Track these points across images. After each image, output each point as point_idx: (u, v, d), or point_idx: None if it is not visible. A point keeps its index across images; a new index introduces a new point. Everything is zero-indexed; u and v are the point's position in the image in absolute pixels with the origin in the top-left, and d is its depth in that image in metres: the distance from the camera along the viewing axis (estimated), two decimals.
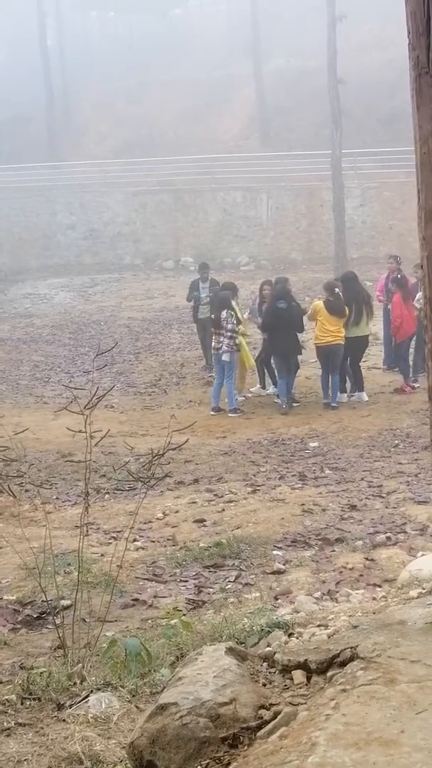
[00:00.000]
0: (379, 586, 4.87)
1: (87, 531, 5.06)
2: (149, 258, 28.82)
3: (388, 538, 6.10)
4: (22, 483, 7.44)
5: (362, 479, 8.29)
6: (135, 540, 6.50)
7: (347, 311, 12.17)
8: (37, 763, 2.87)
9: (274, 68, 34.44)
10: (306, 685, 2.65)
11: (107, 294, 24.54)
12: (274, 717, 2.47)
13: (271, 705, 2.57)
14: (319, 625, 3.46)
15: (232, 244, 28.16)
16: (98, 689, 3.34)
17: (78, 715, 3.14)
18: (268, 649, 3.07)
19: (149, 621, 4.80)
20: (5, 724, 3.14)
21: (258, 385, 13.60)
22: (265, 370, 13.33)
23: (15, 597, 5.29)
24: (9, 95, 37.34)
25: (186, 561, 5.98)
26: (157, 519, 7.29)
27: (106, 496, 8.13)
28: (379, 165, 26.49)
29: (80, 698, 3.27)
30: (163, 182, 29.58)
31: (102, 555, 6.01)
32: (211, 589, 5.38)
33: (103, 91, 38.00)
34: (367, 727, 2.19)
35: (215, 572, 5.74)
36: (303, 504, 7.33)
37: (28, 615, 5.00)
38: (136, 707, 3.21)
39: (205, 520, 7.08)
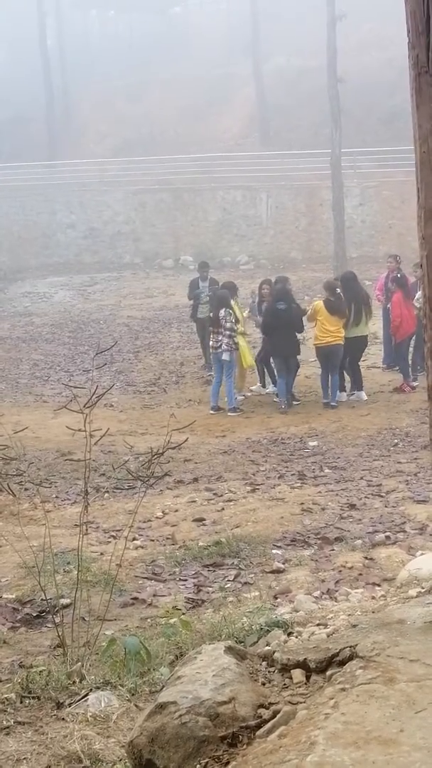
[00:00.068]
0: (379, 585, 4.87)
1: (86, 530, 5.06)
2: (149, 257, 28.82)
3: (388, 537, 6.10)
4: (21, 482, 7.44)
5: (361, 478, 8.29)
6: (134, 539, 6.50)
7: (348, 312, 12.17)
8: (36, 762, 2.87)
9: (274, 67, 34.42)
10: (305, 684, 2.66)
11: (107, 293, 24.54)
12: (274, 716, 2.47)
13: (271, 704, 2.57)
14: (318, 624, 3.46)
15: (232, 243, 28.16)
16: (97, 688, 3.35)
17: (77, 713, 3.14)
18: (267, 648, 3.08)
19: (148, 620, 4.81)
20: (4, 722, 3.14)
21: (258, 384, 13.60)
22: (265, 369, 13.34)
23: (14, 595, 5.29)
24: (9, 95, 37.31)
25: (185, 560, 5.98)
26: (157, 518, 7.29)
27: (106, 494, 8.13)
28: (378, 164, 26.48)
29: (79, 697, 3.28)
30: (163, 181, 29.57)
31: (101, 554, 6.01)
32: (210, 588, 5.38)
33: (103, 90, 37.98)
34: (366, 726, 2.19)
35: (214, 571, 5.75)
36: (302, 503, 7.33)
37: (27, 613, 5.01)
38: (136, 706, 3.22)
39: (204, 519, 7.08)
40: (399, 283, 12.88)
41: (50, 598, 4.44)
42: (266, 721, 2.46)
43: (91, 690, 3.32)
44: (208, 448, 10.35)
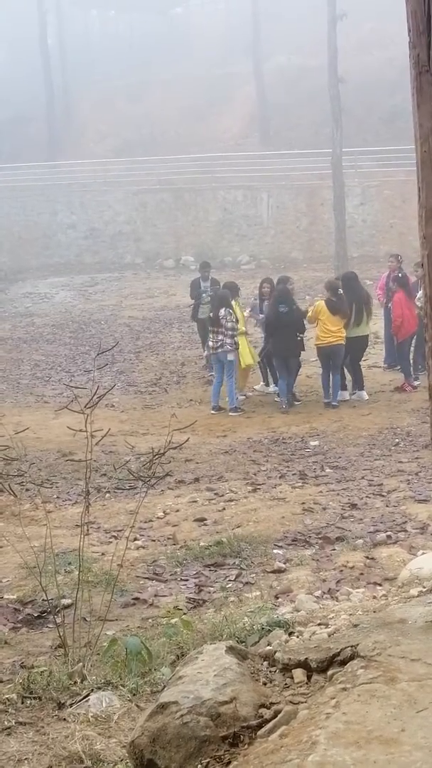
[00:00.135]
0: (380, 585, 4.87)
1: (87, 530, 5.06)
2: (150, 257, 28.82)
3: (389, 536, 6.10)
4: (22, 482, 7.43)
5: (363, 478, 8.28)
6: (135, 539, 6.50)
7: (349, 312, 12.17)
8: (37, 762, 2.87)
9: (275, 67, 34.41)
10: (306, 683, 2.65)
11: (108, 293, 24.54)
12: (275, 716, 2.47)
13: (272, 704, 2.57)
14: (319, 624, 3.46)
15: (233, 243, 28.16)
16: (99, 688, 3.35)
17: (78, 714, 3.14)
18: (268, 647, 3.07)
19: (150, 620, 4.81)
20: (6, 723, 3.14)
21: (261, 383, 13.56)
22: (268, 369, 13.31)
23: (16, 596, 5.29)
24: (9, 94, 37.32)
25: (186, 560, 5.98)
26: (158, 518, 7.29)
27: (107, 495, 8.13)
28: (379, 163, 26.48)
29: (81, 697, 3.28)
30: (164, 181, 29.58)
31: (102, 554, 6.01)
32: (211, 588, 5.38)
33: (104, 90, 37.99)
34: (367, 726, 2.19)
35: (216, 571, 5.74)
36: (303, 503, 7.33)
37: (28, 614, 5.01)
38: (137, 706, 3.22)
39: (205, 519, 7.08)
40: (400, 283, 12.88)
41: (51, 599, 4.45)
42: (267, 721, 2.46)
43: (92, 690, 3.32)
44: (210, 448, 10.35)
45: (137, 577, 5.70)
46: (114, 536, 6.63)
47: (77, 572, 4.41)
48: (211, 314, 12.73)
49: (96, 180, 30.73)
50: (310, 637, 3.23)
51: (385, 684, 2.39)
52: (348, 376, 12.84)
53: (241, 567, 5.76)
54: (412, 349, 13.04)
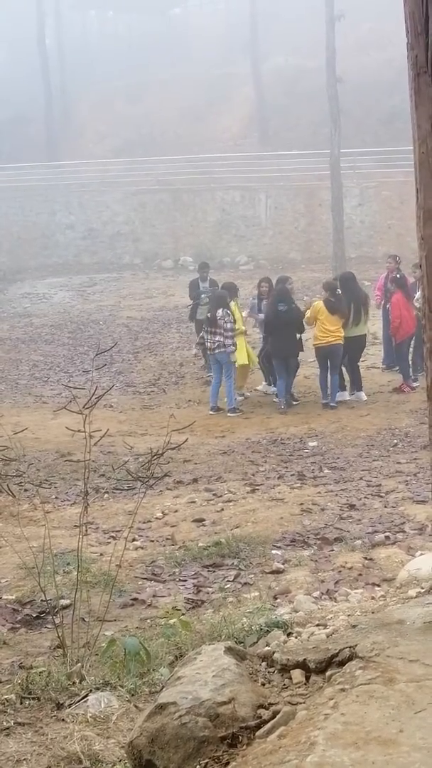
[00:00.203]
0: (378, 586, 4.87)
1: (86, 530, 5.06)
2: (148, 257, 28.81)
3: (387, 537, 6.10)
4: (21, 482, 7.44)
5: (361, 478, 8.29)
6: (134, 539, 6.50)
7: (348, 312, 12.17)
8: (36, 763, 2.88)
9: (273, 67, 34.43)
10: (305, 684, 2.66)
11: (106, 293, 24.53)
12: (273, 716, 2.47)
13: (270, 704, 2.57)
14: (317, 625, 3.46)
15: (231, 243, 28.16)
16: (97, 689, 3.35)
17: (77, 714, 3.14)
18: (267, 648, 3.08)
19: (148, 620, 4.81)
20: (4, 723, 3.14)
21: (264, 383, 13.50)
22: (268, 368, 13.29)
23: (14, 596, 5.30)
24: (8, 95, 37.31)
25: (185, 560, 5.98)
26: (156, 518, 7.29)
27: (105, 495, 8.13)
28: (377, 164, 26.49)
29: (79, 698, 3.28)
30: (162, 182, 29.57)
31: (101, 554, 6.01)
32: (210, 589, 5.38)
33: (102, 91, 37.99)
34: (365, 727, 2.19)
35: (214, 572, 5.75)
36: (302, 503, 7.33)
37: (27, 614, 5.01)
38: (135, 707, 3.22)
39: (204, 520, 7.08)
40: (398, 284, 12.88)
41: (50, 599, 4.44)
42: (266, 722, 2.46)
43: (90, 691, 3.32)
44: (208, 448, 10.35)
45: (136, 577, 5.70)
46: (112, 537, 6.63)
47: (76, 573, 4.41)
48: (208, 315, 12.70)
49: (94, 180, 30.72)
50: (309, 637, 3.23)
51: (383, 685, 2.39)
52: (347, 377, 12.84)
53: (239, 568, 5.76)
54: (411, 350, 13.05)
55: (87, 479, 4.29)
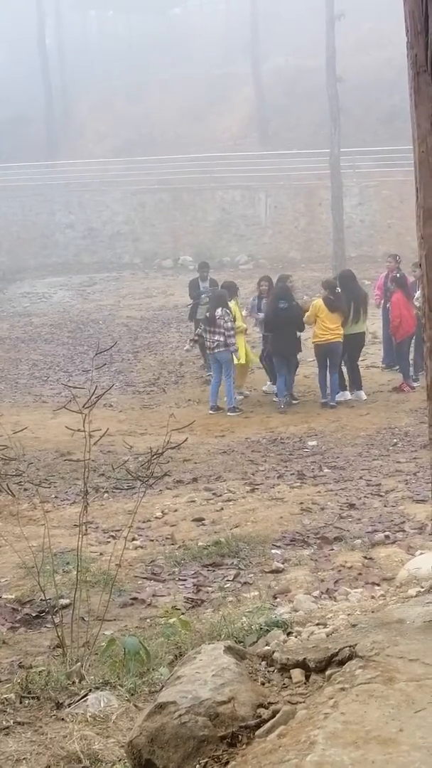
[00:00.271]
0: (378, 585, 4.87)
1: (86, 530, 5.06)
2: (148, 257, 28.81)
3: (387, 536, 6.10)
4: (20, 482, 7.44)
5: (361, 478, 8.29)
6: (134, 539, 6.50)
7: (347, 310, 12.18)
8: (35, 762, 2.87)
9: (273, 67, 34.43)
10: (305, 683, 2.65)
11: (106, 293, 24.53)
12: (273, 716, 2.47)
13: (270, 704, 2.57)
14: (317, 624, 3.46)
15: (231, 243, 28.15)
16: (97, 688, 3.35)
17: (77, 714, 3.14)
18: (266, 647, 3.07)
19: (148, 620, 4.81)
20: (4, 722, 3.14)
21: (268, 382, 13.43)
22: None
23: (14, 596, 5.29)
24: (8, 95, 37.30)
25: (185, 560, 5.98)
26: (156, 518, 7.29)
27: (105, 495, 8.13)
28: (377, 164, 26.47)
29: (79, 697, 3.28)
30: (162, 181, 29.56)
31: (101, 554, 6.01)
32: (209, 588, 5.38)
33: (102, 91, 37.98)
34: (365, 726, 2.19)
35: (214, 571, 5.75)
36: (302, 503, 7.33)
37: (26, 614, 5.01)
38: (135, 706, 3.21)
39: (203, 519, 7.08)
40: (398, 283, 12.89)
41: (49, 599, 4.44)
42: (266, 721, 2.46)
43: (90, 690, 3.32)
44: (208, 448, 10.35)
45: (135, 577, 5.70)
46: (112, 536, 6.63)
47: (75, 572, 4.41)
48: (207, 314, 12.69)
49: (94, 180, 30.71)
50: (309, 637, 3.22)
51: (383, 684, 2.39)
52: (347, 376, 12.84)
53: (239, 567, 5.76)
54: (411, 349, 13.04)
55: (87, 479, 4.28)
